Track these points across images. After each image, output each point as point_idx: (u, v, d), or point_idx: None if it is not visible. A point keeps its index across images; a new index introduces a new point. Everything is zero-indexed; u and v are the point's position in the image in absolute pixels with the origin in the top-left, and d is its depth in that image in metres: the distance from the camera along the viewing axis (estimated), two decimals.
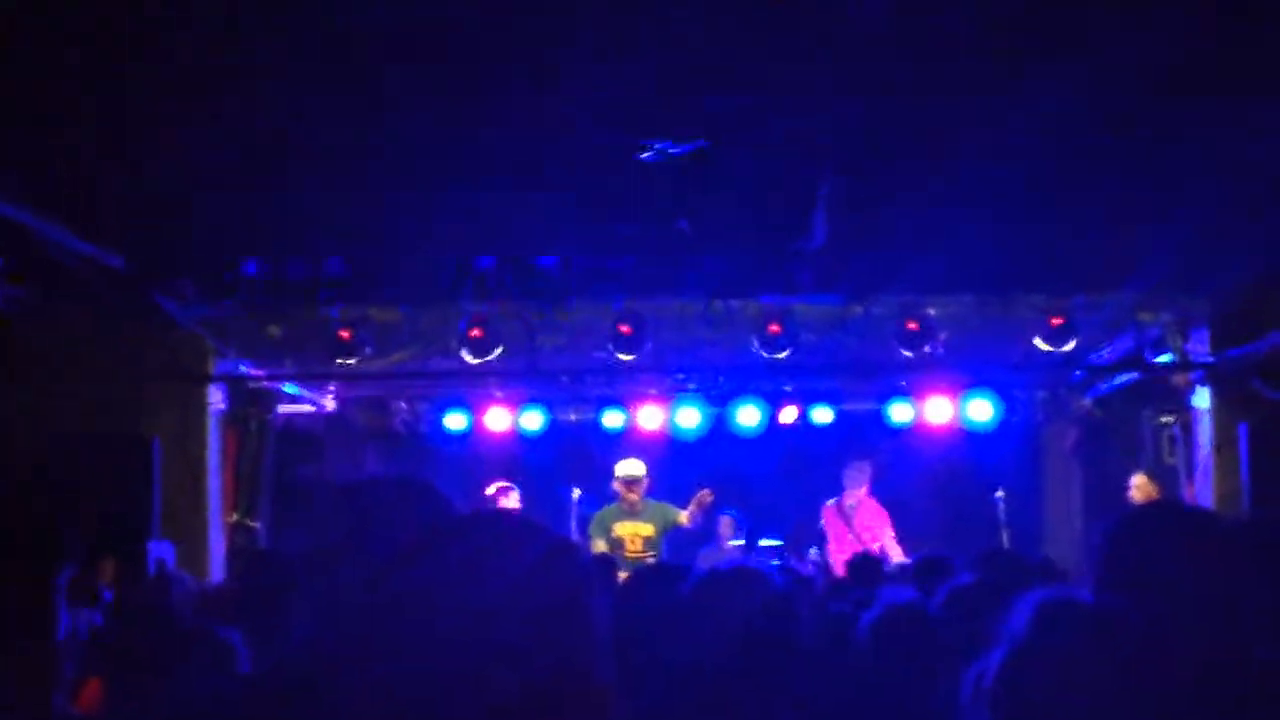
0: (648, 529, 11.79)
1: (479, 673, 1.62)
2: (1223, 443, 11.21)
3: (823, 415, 14.29)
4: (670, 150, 6.33)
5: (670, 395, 13.99)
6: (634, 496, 11.87)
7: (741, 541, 13.50)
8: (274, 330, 11.28)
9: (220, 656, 3.81)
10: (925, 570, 6.39)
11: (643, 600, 3.81)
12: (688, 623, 2.69)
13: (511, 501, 12.36)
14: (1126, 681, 2.12)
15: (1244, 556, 3.28)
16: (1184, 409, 11.97)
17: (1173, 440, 12.44)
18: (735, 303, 10.81)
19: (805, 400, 14.15)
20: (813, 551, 12.83)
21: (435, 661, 1.62)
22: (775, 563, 12.49)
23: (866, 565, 7.91)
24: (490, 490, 12.43)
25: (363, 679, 1.65)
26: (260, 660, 3.69)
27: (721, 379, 13.59)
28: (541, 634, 1.66)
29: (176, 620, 5.03)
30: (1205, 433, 11.52)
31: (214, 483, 11.49)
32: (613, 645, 1.77)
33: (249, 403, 12.25)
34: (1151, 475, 11.79)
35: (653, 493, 12.53)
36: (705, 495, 12.06)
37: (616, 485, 12.04)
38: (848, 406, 14.47)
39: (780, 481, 14.84)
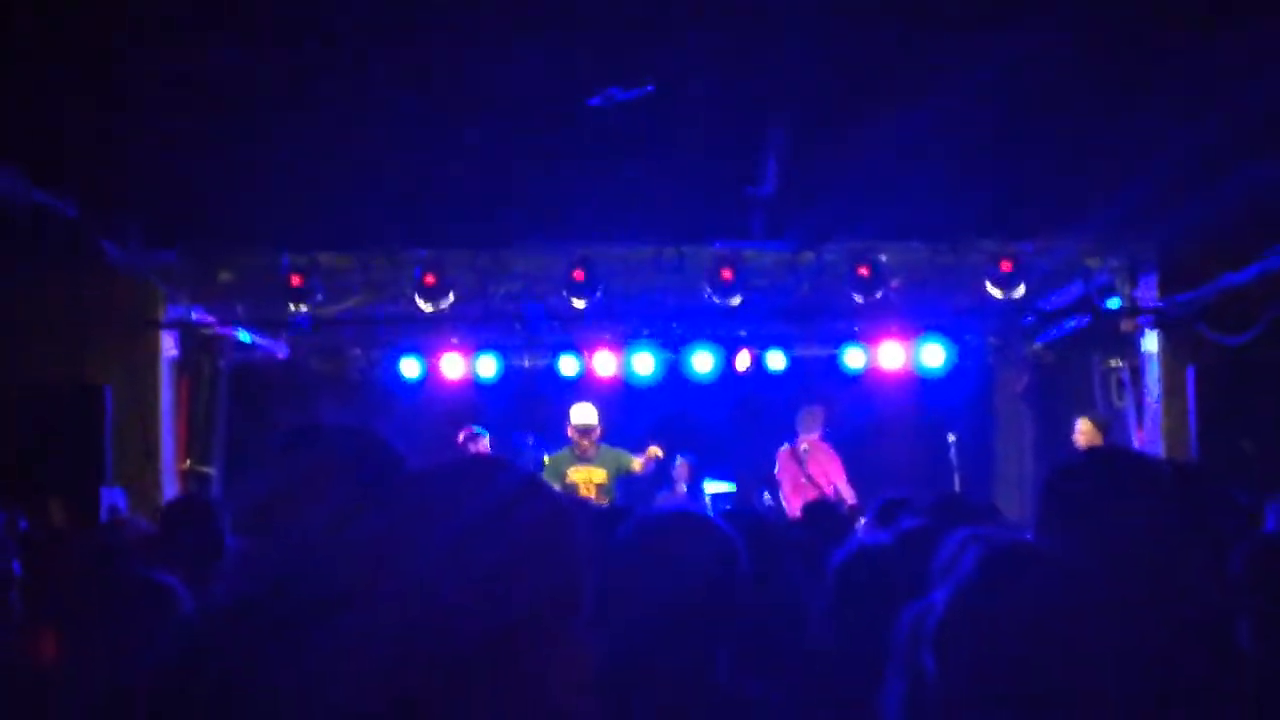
0: (600, 474, 11.80)
1: (452, 613, 1.63)
2: (1171, 387, 11.33)
3: (776, 361, 14.37)
4: (617, 96, 6.32)
5: (625, 342, 14.02)
6: (587, 442, 11.87)
7: (725, 485, 13.58)
8: (225, 275, 11.22)
9: (163, 602, 3.81)
10: (888, 513, 6.42)
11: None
12: (622, 566, 2.70)
13: (482, 447, 12.34)
14: (1071, 626, 2.15)
15: (1181, 502, 3.34)
16: (1133, 353, 12.08)
17: (1121, 384, 12.57)
18: (688, 249, 10.81)
19: (759, 346, 14.22)
20: (765, 495, 12.92)
21: (408, 602, 1.63)
22: (727, 506, 12.63)
23: (823, 510, 7.95)
24: (460, 437, 12.40)
25: (337, 620, 1.66)
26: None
27: (675, 325, 13.61)
28: (520, 572, 1.67)
29: (126, 566, 5.02)
30: (1154, 377, 11.63)
31: (166, 429, 11.44)
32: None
33: (201, 349, 12.18)
34: (1094, 420, 11.89)
35: (608, 439, 12.55)
36: (654, 450, 12.08)
37: (570, 431, 12.05)
38: (801, 352, 14.56)
39: (735, 427, 14.90)
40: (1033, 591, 2.19)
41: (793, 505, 11.98)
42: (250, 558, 2.71)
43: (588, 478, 11.71)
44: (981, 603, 2.18)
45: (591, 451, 11.85)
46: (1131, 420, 12.17)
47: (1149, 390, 11.70)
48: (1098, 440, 11.63)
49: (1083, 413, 12.39)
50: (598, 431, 11.95)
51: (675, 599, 2.63)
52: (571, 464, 11.80)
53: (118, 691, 2.44)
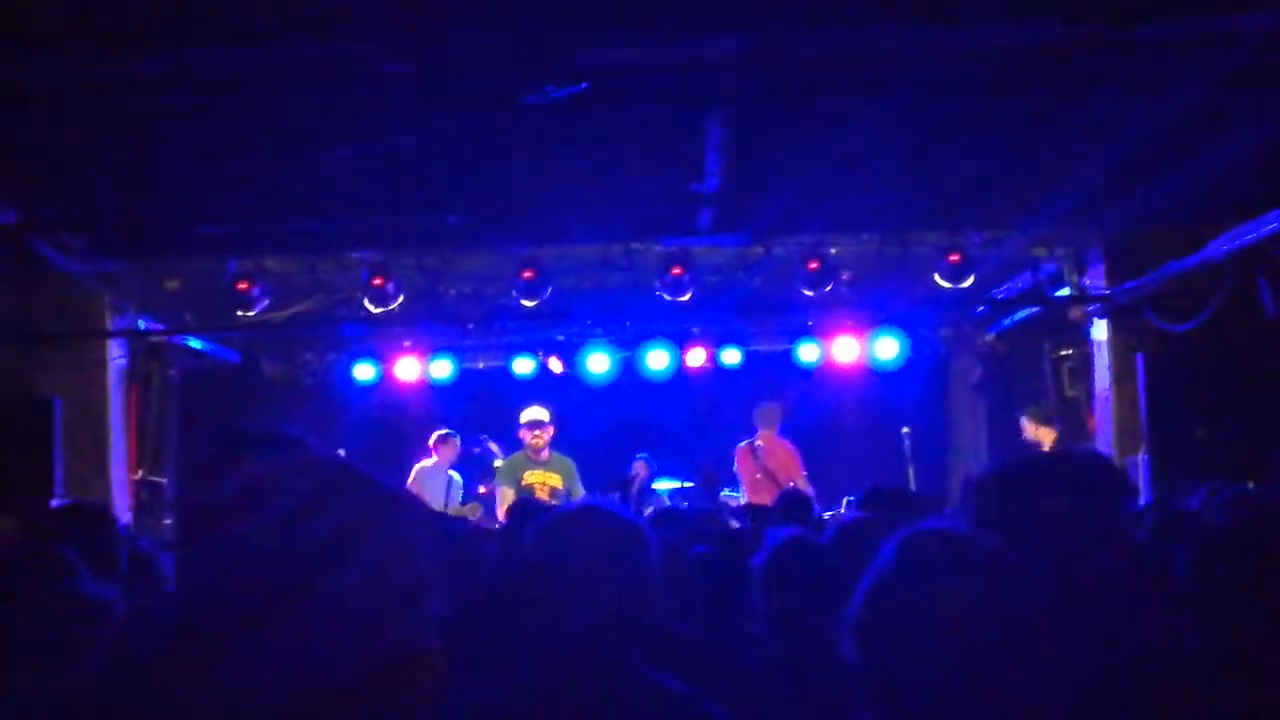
0: (555, 479, 11.77)
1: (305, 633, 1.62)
2: (1121, 374, 11.40)
3: (731, 357, 14.40)
4: (553, 93, 6.30)
5: (579, 341, 14.03)
6: (539, 443, 11.85)
7: (681, 483, 13.58)
8: (172, 284, 11.15)
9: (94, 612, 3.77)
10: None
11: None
12: (536, 565, 2.70)
13: (449, 450, 12.28)
14: (989, 609, 2.15)
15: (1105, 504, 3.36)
16: (1083, 342, 12.15)
17: (1073, 372, 12.65)
18: (637, 246, 10.81)
19: (713, 343, 14.25)
20: (725, 492, 12.93)
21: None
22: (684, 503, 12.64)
23: (795, 503, 7.95)
24: (431, 440, 12.34)
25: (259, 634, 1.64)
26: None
27: (628, 323, 13.63)
28: (367, 591, 1.66)
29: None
30: (1103, 365, 11.70)
31: (117, 439, 11.36)
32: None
33: (150, 358, 12.10)
34: (1035, 414, 12.07)
35: (566, 439, 12.54)
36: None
37: (521, 431, 12.03)
38: (755, 348, 14.59)
39: (691, 425, 14.92)
40: (948, 576, 2.19)
41: (751, 501, 11.99)
42: (186, 568, 2.69)
43: (543, 480, 11.68)
44: (897, 589, 2.18)
45: (545, 454, 11.82)
46: (1083, 408, 12.24)
47: (1099, 378, 11.77)
48: (1042, 433, 11.84)
49: (1033, 404, 12.48)
50: (550, 430, 11.92)
51: (588, 593, 2.62)
52: (527, 467, 11.78)
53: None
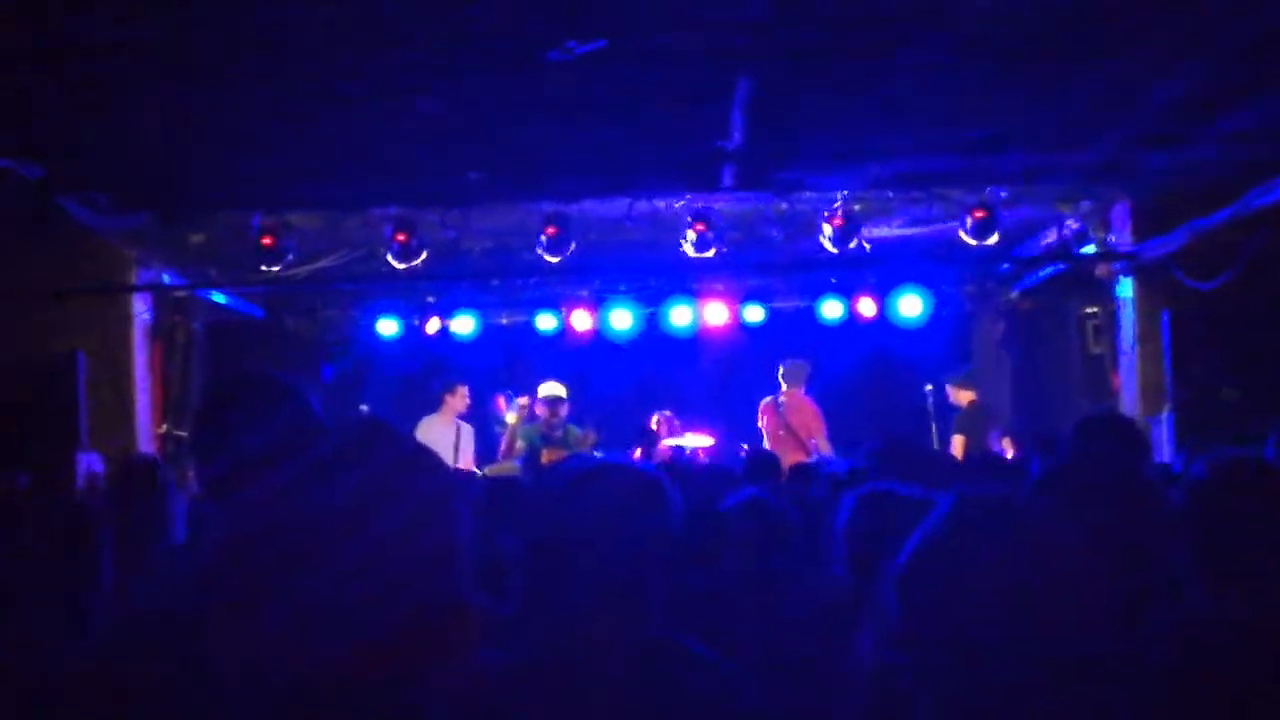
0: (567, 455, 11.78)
1: (329, 591, 1.62)
2: (1146, 332, 11.36)
3: (754, 314, 14.38)
4: (575, 49, 6.27)
5: (602, 298, 14.03)
6: (555, 419, 11.84)
7: (704, 440, 13.57)
8: (196, 238, 11.16)
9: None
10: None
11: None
12: (554, 517, 2.70)
13: (458, 401, 12.17)
14: (1034, 574, 2.17)
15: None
16: (1108, 299, 12.10)
17: (1098, 330, 12.60)
18: (661, 202, 10.77)
19: (736, 300, 14.24)
20: (744, 447, 12.94)
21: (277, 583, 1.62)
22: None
23: (762, 463, 8.04)
24: (439, 392, 12.24)
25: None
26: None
27: (652, 280, 13.62)
28: (398, 546, 1.66)
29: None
30: (1129, 322, 11.65)
31: (141, 393, 11.42)
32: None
33: (174, 312, 12.14)
34: (961, 382, 12.35)
35: (590, 395, 12.57)
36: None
37: (538, 407, 12.02)
38: (778, 304, 14.57)
39: (713, 382, 14.93)
40: (997, 539, 2.20)
41: None
42: (216, 520, 2.71)
43: (557, 457, 11.65)
44: (946, 547, 2.20)
45: (559, 431, 11.79)
46: (1108, 365, 12.21)
47: (1124, 336, 11.73)
48: (968, 400, 12.13)
49: (1064, 358, 12.50)
50: (565, 407, 11.91)
51: (609, 551, 2.62)
52: (545, 445, 11.73)
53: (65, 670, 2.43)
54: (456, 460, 11.69)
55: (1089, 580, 2.39)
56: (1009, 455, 10.99)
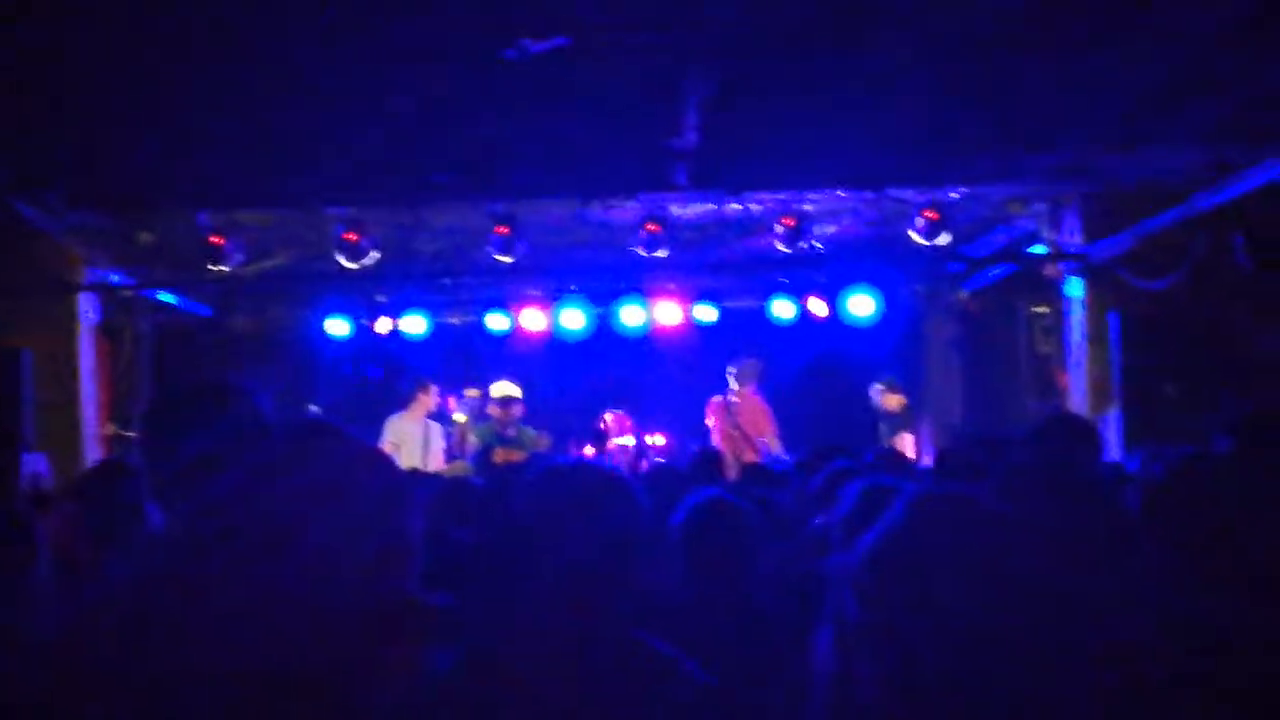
0: (521, 456, 11.75)
1: (283, 589, 1.60)
2: (1094, 332, 11.44)
3: (706, 313, 14.39)
4: (531, 48, 6.25)
5: (554, 297, 13.99)
6: (509, 419, 11.80)
7: (655, 439, 13.57)
8: (145, 237, 11.04)
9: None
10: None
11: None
12: (526, 518, 2.68)
13: (428, 399, 12.15)
14: (994, 571, 2.16)
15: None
16: (1058, 299, 12.18)
17: (1046, 330, 12.69)
18: (613, 202, 10.75)
19: (688, 299, 14.24)
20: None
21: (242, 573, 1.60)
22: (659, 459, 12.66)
23: (707, 460, 8.06)
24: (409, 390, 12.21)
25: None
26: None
27: (604, 280, 13.60)
28: (348, 544, 1.64)
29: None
30: (1077, 322, 11.74)
31: (88, 393, 11.29)
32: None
33: (121, 312, 12.01)
34: (888, 385, 12.45)
35: (541, 396, 12.52)
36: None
37: (491, 408, 11.99)
38: (730, 304, 14.59)
39: (666, 381, 14.93)
40: (957, 534, 2.19)
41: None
42: (165, 520, 2.68)
43: (509, 458, 11.62)
44: (905, 547, 2.19)
45: (513, 430, 11.76)
46: (1056, 365, 12.29)
47: (1072, 336, 11.82)
48: (892, 400, 12.35)
49: (1012, 358, 12.60)
50: (519, 407, 11.88)
51: (573, 550, 2.61)
52: (499, 445, 11.70)
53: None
54: (427, 458, 11.66)
55: (1051, 576, 2.39)
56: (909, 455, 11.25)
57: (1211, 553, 2.91)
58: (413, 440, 11.77)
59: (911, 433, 12.45)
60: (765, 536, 4.01)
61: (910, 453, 12.03)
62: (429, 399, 12.14)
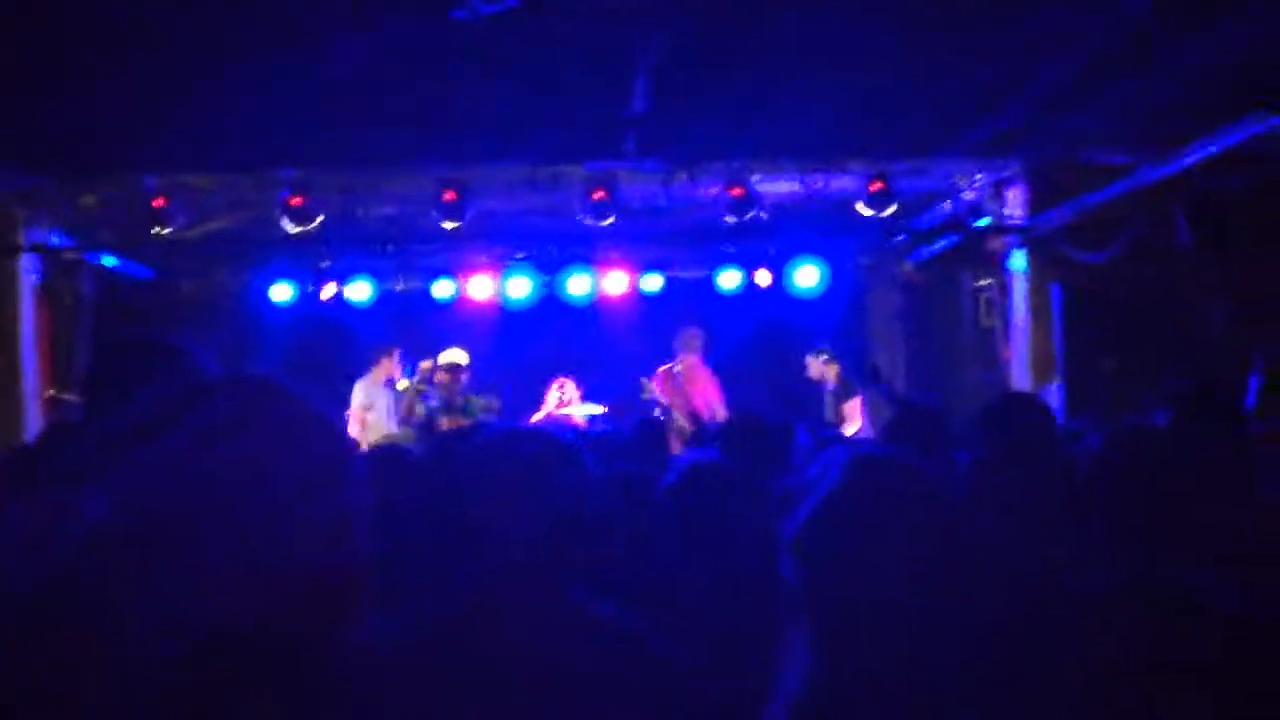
0: (468, 423, 11.69)
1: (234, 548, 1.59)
2: (1036, 305, 11.56)
3: (652, 283, 14.40)
4: (481, 9, 6.21)
5: (500, 265, 13.95)
6: (456, 386, 11.75)
7: (595, 408, 13.51)
8: (88, 200, 10.92)
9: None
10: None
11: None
12: (476, 484, 2.67)
13: (391, 363, 12.08)
14: (935, 533, 2.16)
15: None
16: (1001, 272, 12.28)
17: (990, 303, 12.79)
18: (562, 169, 10.73)
19: (635, 269, 14.25)
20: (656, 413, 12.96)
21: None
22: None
23: (650, 429, 8.06)
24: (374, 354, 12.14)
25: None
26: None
27: (552, 248, 13.57)
28: (288, 513, 1.63)
29: None
30: (1020, 295, 11.84)
31: (28, 356, 11.17)
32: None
33: (63, 275, 11.88)
34: (826, 355, 12.58)
35: (488, 363, 12.48)
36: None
37: (439, 375, 11.93)
38: (677, 274, 14.60)
39: (612, 350, 14.92)
40: (894, 497, 2.19)
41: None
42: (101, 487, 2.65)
43: (457, 424, 11.56)
44: (843, 511, 2.18)
45: (460, 399, 11.70)
46: (999, 338, 12.40)
47: (1015, 309, 11.92)
48: (829, 375, 12.35)
49: (955, 330, 12.66)
50: (466, 374, 11.81)
51: (529, 517, 2.60)
52: (445, 414, 11.64)
53: None
54: (391, 422, 11.65)
55: (997, 545, 2.41)
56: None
57: (1152, 523, 2.94)
58: (380, 404, 11.78)
59: (854, 401, 12.43)
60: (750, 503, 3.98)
61: (856, 421, 12.09)
62: (392, 364, 12.10)
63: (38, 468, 4.45)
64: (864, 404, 12.33)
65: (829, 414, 12.43)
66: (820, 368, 12.72)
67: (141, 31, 7.13)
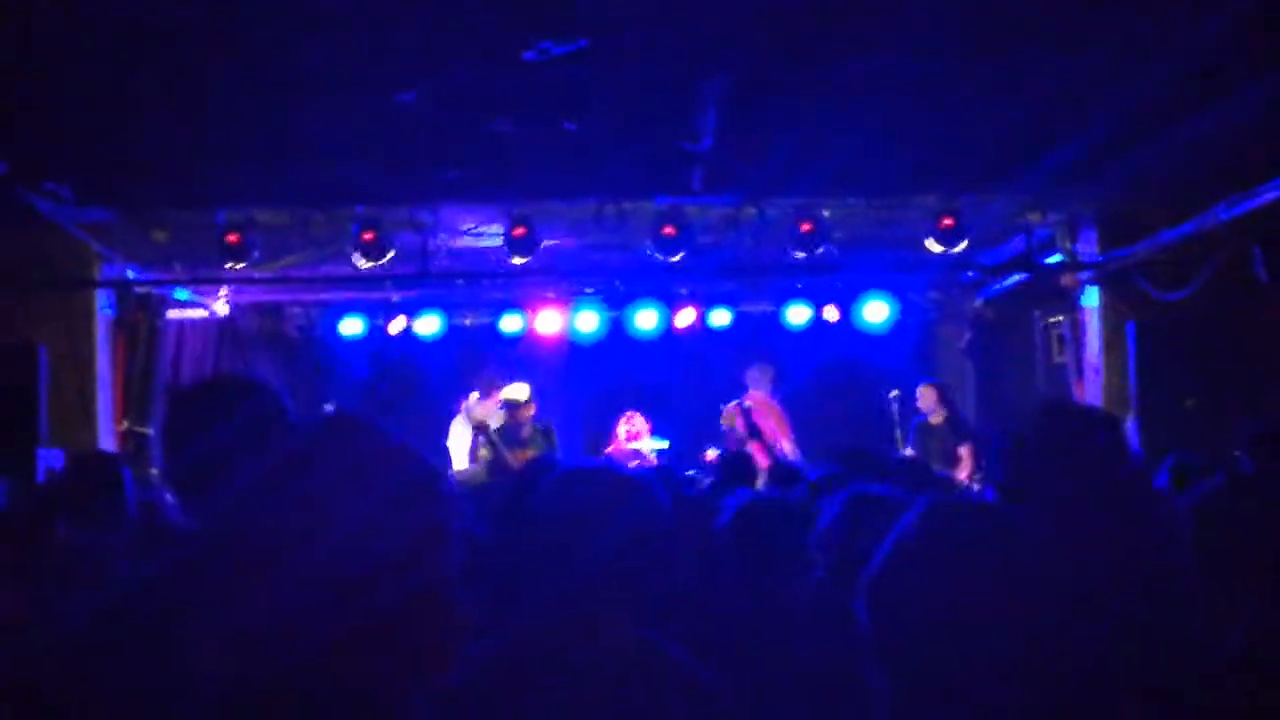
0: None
1: (329, 591, 1.60)
2: (1110, 342, 11.42)
3: (720, 317, 14.39)
4: (552, 50, 6.24)
5: (568, 299, 13.99)
6: (521, 421, 11.71)
7: (660, 443, 13.47)
8: (161, 235, 11.06)
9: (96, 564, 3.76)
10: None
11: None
12: (548, 519, 2.68)
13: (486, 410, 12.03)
14: (1011, 584, 2.12)
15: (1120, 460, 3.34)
16: (1073, 309, 12.15)
17: (1062, 339, 12.66)
18: (629, 205, 10.74)
19: (702, 303, 14.24)
20: (710, 451, 12.93)
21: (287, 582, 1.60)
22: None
23: (738, 463, 7.97)
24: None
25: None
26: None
27: (619, 283, 13.59)
28: (399, 557, 1.64)
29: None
30: (1093, 332, 11.71)
31: (104, 390, 11.32)
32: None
33: (137, 308, 12.03)
34: (933, 386, 12.25)
35: (554, 398, 12.47)
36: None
37: (504, 410, 11.89)
38: (745, 308, 14.58)
39: (679, 385, 14.92)
40: (969, 545, 2.15)
41: None
42: (191, 513, 2.68)
43: (522, 458, 11.51)
44: (919, 556, 2.15)
45: (526, 430, 11.64)
46: (1071, 375, 12.26)
47: (1089, 345, 11.79)
48: (938, 404, 12.11)
49: (1026, 368, 12.51)
50: (531, 408, 11.73)
51: (599, 552, 2.60)
52: (510, 448, 11.57)
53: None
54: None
55: (1081, 591, 2.35)
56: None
57: (1263, 574, 2.85)
58: (462, 441, 11.85)
59: (967, 445, 12.09)
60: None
61: (967, 465, 11.85)
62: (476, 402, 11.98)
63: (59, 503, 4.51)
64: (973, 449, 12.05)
65: (916, 447, 12.25)
66: (933, 400, 12.50)
67: (218, 70, 7.22)
